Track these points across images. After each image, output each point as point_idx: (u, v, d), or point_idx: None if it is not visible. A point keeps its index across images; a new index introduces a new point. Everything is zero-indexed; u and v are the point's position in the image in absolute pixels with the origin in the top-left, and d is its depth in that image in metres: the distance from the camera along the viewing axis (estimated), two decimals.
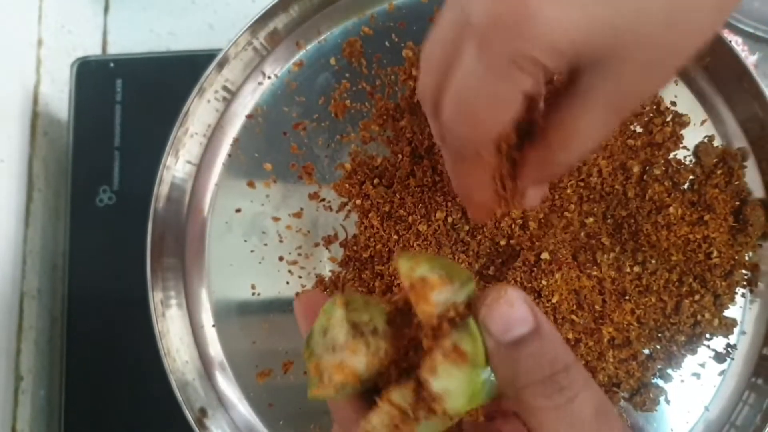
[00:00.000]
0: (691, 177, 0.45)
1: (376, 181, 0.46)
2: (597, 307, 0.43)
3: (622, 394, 0.43)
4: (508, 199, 0.31)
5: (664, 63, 0.25)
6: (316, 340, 0.24)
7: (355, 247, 0.45)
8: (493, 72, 0.23)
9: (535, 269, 0.43)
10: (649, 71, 0.24)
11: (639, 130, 0.45)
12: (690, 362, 0.44)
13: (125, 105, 0.54)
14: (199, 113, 0.47)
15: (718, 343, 0.44)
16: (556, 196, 0.44)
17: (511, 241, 0.44)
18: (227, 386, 0.47)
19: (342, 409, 0.25)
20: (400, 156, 0.46)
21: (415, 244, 0.44)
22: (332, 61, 0.49)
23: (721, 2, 0.24)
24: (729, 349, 0.44)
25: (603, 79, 0.24)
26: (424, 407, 0.22)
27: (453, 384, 0.21)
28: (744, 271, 0.44)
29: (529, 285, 0.43)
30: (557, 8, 0.22)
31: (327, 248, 0.47)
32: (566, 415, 0.21)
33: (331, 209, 0.47)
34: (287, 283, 0.47)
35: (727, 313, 0.44)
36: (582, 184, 0.44)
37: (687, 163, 0.45)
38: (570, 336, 0.42)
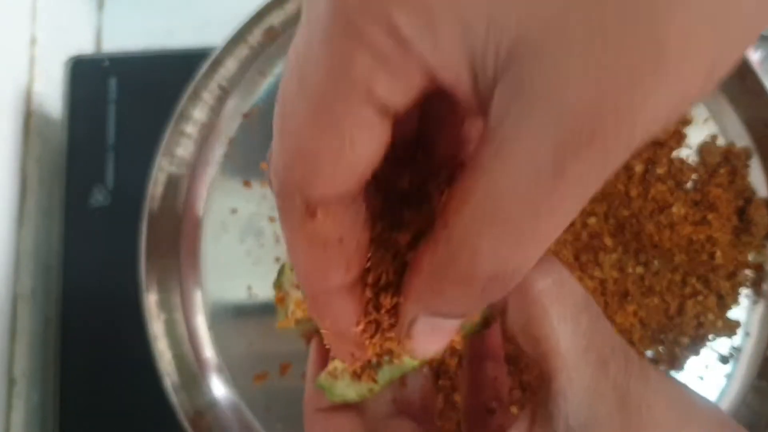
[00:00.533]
0: (694, 176, 0.44)
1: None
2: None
3: None
4: (387, 331, 0.21)
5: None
6: (286, 275, 0.25)
7: None
8: (320, 47, 0.14)
9: None
10: (639, 72, 0.12)
11: None
12: (694, 365, 0.43)
13: (120, 103, 0.53)
14: (194, 112, 0.47)
15: (722, 345, 0.44)
16: None
17: None
18: (223, 389, 0.46)
19: (316, 343, 0.26)
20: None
21: None
22: None
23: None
24: (733, 351, 0.44)
25: (533, 93, 0.13)
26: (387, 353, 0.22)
27: (394, 374, 0.22)
28: (748, 272, 0.44)
29: None
30: None
31: None
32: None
33: None
34: None
35: (730, 314, 0.43)
36: None
37: (690, 162, 0.45)
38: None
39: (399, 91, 0.14)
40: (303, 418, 0.26)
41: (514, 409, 0.40)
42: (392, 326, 0.20)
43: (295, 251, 0.18)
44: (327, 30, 0.13)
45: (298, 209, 0.16)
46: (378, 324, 0.20)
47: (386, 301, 0.20)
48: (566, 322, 0.21)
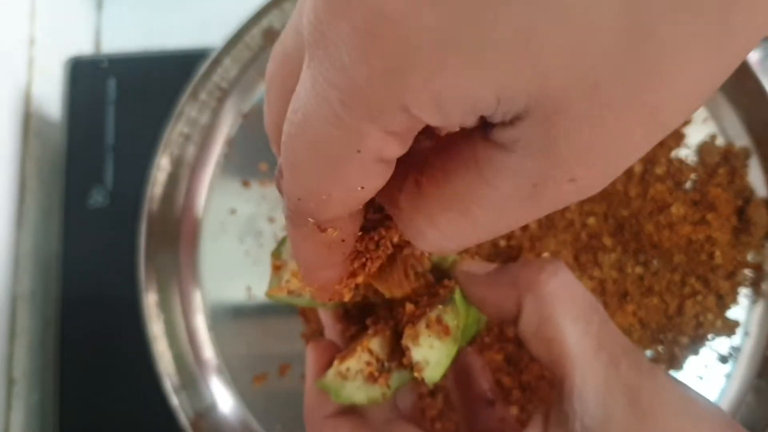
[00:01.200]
0: (693, 176, 0.44)
1: None
2: None
3: None
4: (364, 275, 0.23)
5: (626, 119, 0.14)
6: (287, 246, 0.25)
7: None
8: (321, 115, 0.14)
9: None
10: (605, 123, 0.14)
11: None
12: (693, 364, 0.43)
13: (119, 104, 0.53)
14: (193, 113, 0.47)
15: (722, 344, 0.43)
16: None
17: (511, 242, 0.43)
18: (223, 390, 0.46)
19: (313, 348, 0.26)
20: None
21: None
22: None
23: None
24: (732, 351, 0.43)
25: (518, 147, 0.15)
26: (398, 359, 0.23)
27: (433, 356, 0.22)
28: (747, 272, 0.44)
29: None
30: (446, 28, 0.13)
31: None
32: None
33: None
34: None
35: (730, 313, 0.43)
36: None
37: (689, 162, 0.45)
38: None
39: (404, 147, 0.15)
40: (305, 423, 0.26)
41: (514, 410, 0.40)
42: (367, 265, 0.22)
43: (302, 252, 0.20)
44: (339, 110, 0.14)
45: (309, 225, 0.18)
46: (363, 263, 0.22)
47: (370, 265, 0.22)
48: (578, 323, 0.22)
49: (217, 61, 0.46)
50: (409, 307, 0.23)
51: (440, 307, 0.22)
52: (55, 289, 0.52)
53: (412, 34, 0.12)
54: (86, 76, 0.54)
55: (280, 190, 0.18)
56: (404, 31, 0.12)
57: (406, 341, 0.22)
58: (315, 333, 0.45)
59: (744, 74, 0.43)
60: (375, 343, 0.23)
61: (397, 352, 0.23)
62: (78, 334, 0.51)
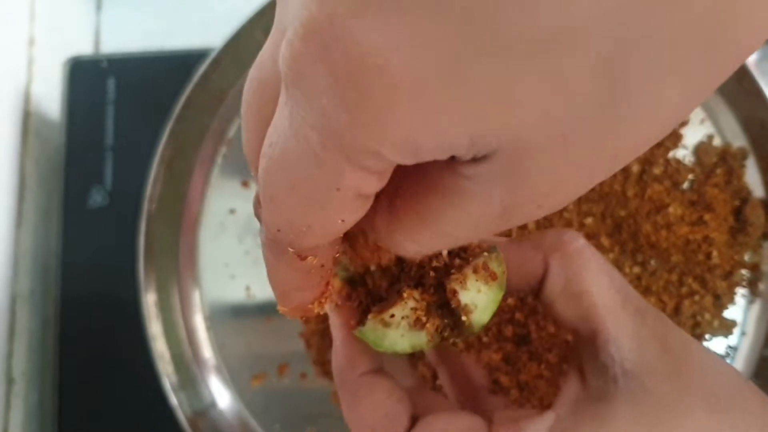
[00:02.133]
0: (690, 176, 0.44)
1: None
2: None
3: None
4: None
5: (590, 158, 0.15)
6: None
7: None
8: (301, 151, 0.15)
9: None
10: (570, 167, 0.15)
11: None
12: None
13: (118, 104, 0.53)
14: (193, 113, 0.47)
15: (719, 344, 0.44)
16: None
17: None
18: (222, 389, 0.46)
19: (337, 308, 0.26)
20: None
21: None
22: None
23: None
24: (729, 351, 0.44)
25: (489, 179, 0.15)
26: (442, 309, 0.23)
27: (480, 300, 0.22)
28: (744, 272, 0.44)
29: None
30: (422, 99, 0.13)
31: None
32: None
33: None
34: None
35: (727, 313, 0.43)
36: None
37: (686, 162, 0.45)
38: (569, 337, 0.42)
39: (382, 182, 0.16)
40: (337, 384, 0.25)
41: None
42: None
43: (279, 277, 0.21)
44: (318, 150, 0.14)
45: (288, 254, 0.19)
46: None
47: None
48: (603, 275, 0.24)
49: (216, 62, 0.46)
50: (456, 261, 0.24)
51: (485, 254, 0.23)
52: (55, 288, 0.52)
53: (393, 85, 0.13)
54: (86, 76, 0.54)
55: (258, 218, 0.19)
56: (385, 81, 0.13)
57: (453, 285, 0.22)
58: (314, 333, 0.45)
59: (741, 75, 0.43)
60: (417, 294, 0.23)
61: (438, 305, 0.23)
62: (77, 334, 0.51)
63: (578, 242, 0.24)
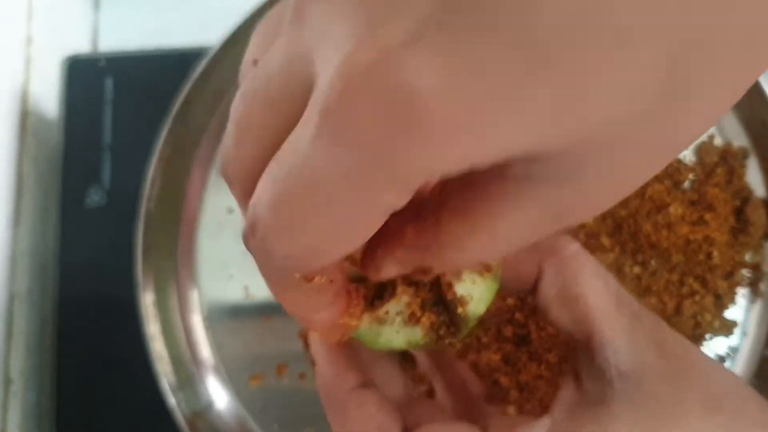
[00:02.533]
0: (691, 176, 0.44)
1: None
2: None
3: None
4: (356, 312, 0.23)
5: (648, 162, 0.16)
6: None
7: None
8: (338, 176, 0.14)
9: None
10: (628, 169, 0.16)
11: None
12: None
13: (116, 103, 0.53)
14: (191, 112, 0.47)
15: (719, 344, 0.44)
16: None
17: None
18: (220, 389, 0.46)
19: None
20: None
21: None
22: None
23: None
24: (730, 351, 0.44)
25: (547, 179, 0.15)
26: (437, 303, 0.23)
27: (476, 291, 0.22)
28: (745, 272, 0.44)
29: None
30: (465, 99, 0.13)
31: None
32: None
33: None
34: None
35: (728, 314, 0.43)
36: None
37: (687, 161, 0.45)
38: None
39: (410, 197, 0.15)
40: (324, 403, 0.25)
41: (511, 410, 0.40)
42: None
43: (293, 304, 0.20)
44: (360, 179, 0.14)
45: (294, 279, 0.18)
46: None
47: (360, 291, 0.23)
48: (598, 280, 0.24)
49: (215, 61, 0.46)
50: None
51: None
52: (52, 288, 0.52)
53: (449, 112, 0.13)
54: (84, 75, 0.54)
55: (249, 249, 0.17)
56: (440, 110, 0.13)
57: (448, 277, 0.22)
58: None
59: None
60: (412, 290, 0.23)
61: (433, 303, 0.23)
62: (75, 333, 0.51)
63: (573, 247, 0.25)
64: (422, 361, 0.31)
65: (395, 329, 0.23)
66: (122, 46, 0.59)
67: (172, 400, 0.43)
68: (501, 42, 0.12)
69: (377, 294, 0.24)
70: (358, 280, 0.25)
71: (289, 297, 0.19)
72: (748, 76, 0.15)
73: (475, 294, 0.23)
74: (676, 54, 0.13)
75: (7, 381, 0.51)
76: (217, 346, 0.46)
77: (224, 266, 0.47)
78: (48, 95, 0.57)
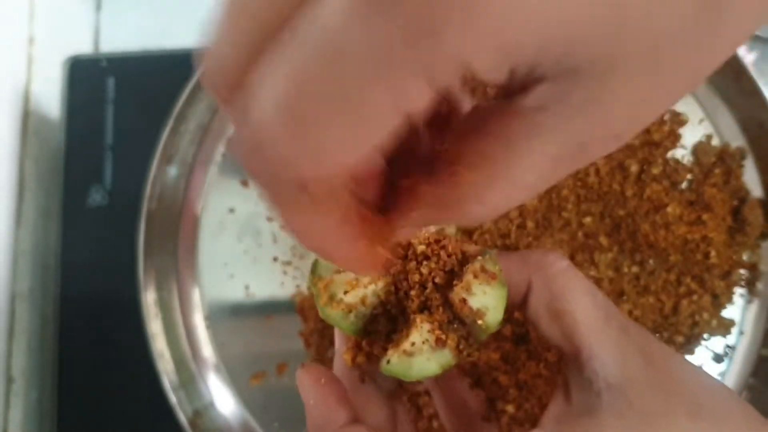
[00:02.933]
0: (689, 176, 0.44)
1: None
2: None
3: None
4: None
5: (683, 72, 0.15)
6: (323, 266, 0.24)
7: None
8: (378, 60, 0.12)
9: None
10: (657, 84, 0.15)
11: None
12: None
13: (117, 103, 0.53)
14: (192, 112, 0.47)
15: (717, 343, 0.44)
16: (554, 196, 0.44)
17: (508, 241, 0.43)
18: (221, 388, 0.46)
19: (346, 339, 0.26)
20: None
21: None
22: None
23: None
24: (727, 350, 0.44)
25: (570, 103, 0.15)
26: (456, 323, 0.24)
27: (489, 301, 0.23)
28: (742, 271, 0.44)
29: None
30: None
31: None
32: None
33: None
34: (281, 283, 0.46)
35: (725, 313, 0.44)
36: (579, 183, 0.44)
37: (685, 162, 0.45)
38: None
39: (429, 104, 0.14)
40: (304, 425, 0.25)
41: (510, 408, 0.40)
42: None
43: (299, 229, 0.18)
44: (392, 60, 0.13)
45: (303, 200, 0.16)
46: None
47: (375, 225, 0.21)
48: (586, 295, 0.24)
49: None
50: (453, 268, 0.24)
51: (479, 258, 0.24)
52: (54, 287, 0.52)
53: None
54: (85, 75, 0.54)
55: (248, 164, 0.15)
56: None
57: (459, 294, 0.23)
58: (313, 332, 0.45)
59: (739, 75, 0.43)
60: (427, 317, 0.24)
61: (448, 322, 0.24)
62: (76, 333, 0.51)
63: (562, 263, 0.25)
64: (434, 393, 0.31)
65: (425, 357, 0.23)
66: (124, 47, 0.59)
67: (173, 398, 0.43)
68: None
69: (392, 329, 0.25)
70: (362, 331, 0.25)
71: (299, 222, 0.17)
72: None
73: (489, 304, 0.23)
74: None
75: (9, 380, 0.51)
76: (217, 345, 0.47)
77: (225, 265, 0.47)
78: (50, 95, 0.57)
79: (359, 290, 0.23)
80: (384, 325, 0.25)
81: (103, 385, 0.51)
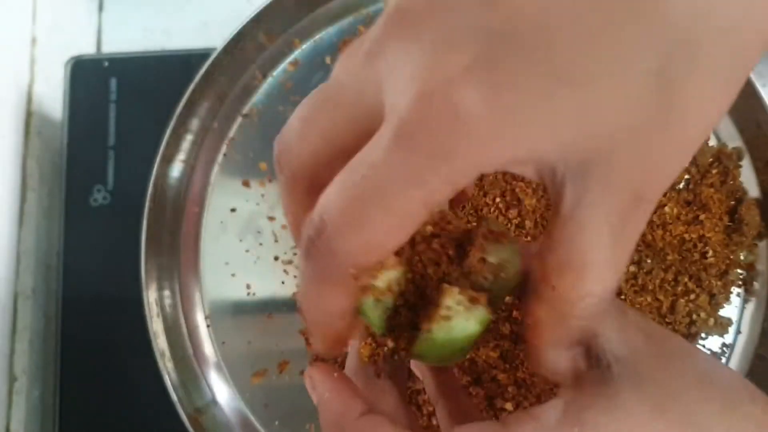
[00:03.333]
0: (686, 176, 0.45)
1: None
2: None
3: None
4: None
5: (672, 149, 0.19)
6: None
7: None
8: (409, 177, 0.18)
9: None
10: (658, 157, 0.19)
11: None
12: None
13: (120, 104, 0.54)
14: (194, 112, 0.47)
15: (714, 342, 0.44)
16: None
17: None
18: (222, 386, 0.46)
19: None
20: None
21: None
22: (328, 60, 0.49)
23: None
24: (725, 349, 0.44)
25: (595, 187, 0.19)
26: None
27: (503, 256, 0.24)
28: (739, 271, 0.44)
29: None
30: (499, 114, 0.17)
31: None
32: None
33: None
34: (282, 282, 0.47)
35: (722, 312, 0.44)
36: None
37: None
38: None
39: (445, 198, 0.19)
40: (305, 423, 0.25)
41: (508, 406, 0.41)
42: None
43: (320, 301, 0.22)
44: (424, 176, 0.18)
45: (345, 279, 0.21)
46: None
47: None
48: None
49: (217, 62, 0.46)
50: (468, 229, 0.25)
51: (483, 223, 0.25)
52: (56, 286, 0.53)
53: (489, 119, 0.17)
54: (87, 75, 0.55)
55: (308, 251, 0.20)
56: (482, 118, 0.17)
57: (475, 256, 0.24)
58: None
59: None
60: (454, 281, 0.24)
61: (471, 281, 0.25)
62: (79, 331, 0.52)
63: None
64: (429, 389, 0.31)
65: (463, 318, 0.23)
66: (126, 48, 0.59)
67: (174, 396, 0.44)
68: (528, 73, 0.17)
69: (414, 320, 0.25)
70: (390, 329, 0.25)
71: (328, 294, 0.21)
72: (736, 77, 0.18)
73: (505, 257, 0.24)
74: (663, 66, 0.17)
75: (12, 378, 0.51)
76: (219, 343, 0.47)
77: (226, 265, 0.47)
78: (52, 96, 0.57)
79: (385, 273, 0.23)
80: (406, 316, 0.25)
81: (105, 383, 0.51)
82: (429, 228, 0.24)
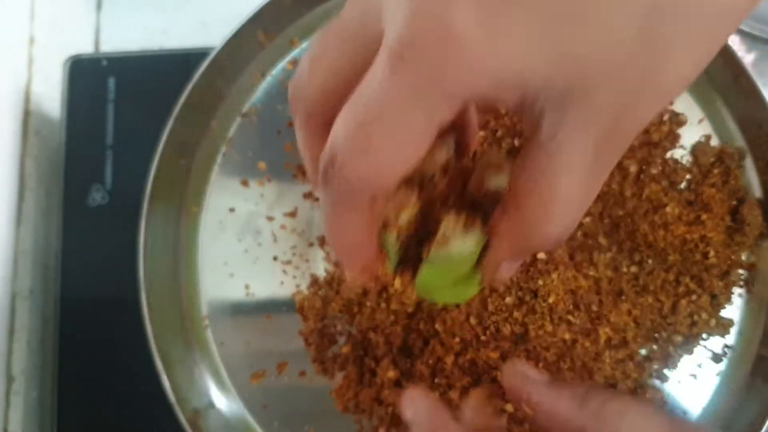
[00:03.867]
0: (688, 176, 0.45)
1: None
2: (594, 307, 0.42)
3: None
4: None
5: (654, 85, 0.19)
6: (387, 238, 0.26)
7: None
8: (405, 99, 0.19)
9: (531, 269, 0.42)
10: (634, 98, 0.19)
11: None
12: (687, 363, 0.44)
13: (118, 103, 0.53)
14: (192, 112, 0.47)
15: (715, 343, 0.44)
16: None
17: None
18: (221, 387, 0.46)
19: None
20: None
21: None
22: None
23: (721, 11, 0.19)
24: (726, 350, 0.44)
25: (572, 118, 0.19)
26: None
27: (501, 183, 0.25)
28: (741, 271, 0.44)
29: (526, 285, 0.42)
30: (491, 35, 0.17)
31: (322, 248, 0.46)
32: None
33: None
34: (281, 283, 0.46)
35: (723, 313, 0.44)
36: None
37: (684, 162, 0.45)
38: (566, 336, 0.42)
39: (449, 118, 0.19)
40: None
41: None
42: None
43: (343, 228, 0.23)
44: (424, 97, 0.18)
45: (364, 204, 0.21)
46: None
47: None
48: None
49: (216, 61, 0.46)
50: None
51: (483, 156, 0.25)
52: (55, 287, 0.52)
53: (480, 38, 0.17)
54: (86, 75, 0.54)
55: (325, 181, 0.21)
56: (474, 37, 0.17)
57: (474, 184, 0.25)
58: (313, 331, 0.45)
59: (738, 75, 0.44)
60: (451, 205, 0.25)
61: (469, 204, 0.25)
62: (77, 332, 0.52)
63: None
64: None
65: (460, 240, 0.24)
66: (124, 47, 0.59)
67: (172, 397, 0.43)
68: (523, 1, 0.17)
69: (422, 253, 0.25)
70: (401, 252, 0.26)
71: (348, 220, 0.22)
72: (718, 35, 0.19)
73: (501, 185, 0.25)
74: (650, 10, 0.17)
75: (9, 379, 0.51)
76: (217, 344, 0.47)
77: (225, 265, 0.47)
78: (50, 95, 0.57)
79: (407, 211, 0.24)
80: (414, 251, 0.25)
81: (103, 384, 0.51)
82: (439, 168, 0.25)
